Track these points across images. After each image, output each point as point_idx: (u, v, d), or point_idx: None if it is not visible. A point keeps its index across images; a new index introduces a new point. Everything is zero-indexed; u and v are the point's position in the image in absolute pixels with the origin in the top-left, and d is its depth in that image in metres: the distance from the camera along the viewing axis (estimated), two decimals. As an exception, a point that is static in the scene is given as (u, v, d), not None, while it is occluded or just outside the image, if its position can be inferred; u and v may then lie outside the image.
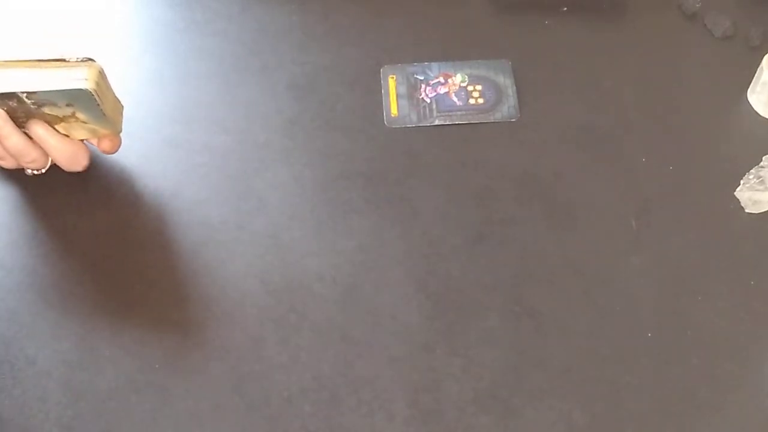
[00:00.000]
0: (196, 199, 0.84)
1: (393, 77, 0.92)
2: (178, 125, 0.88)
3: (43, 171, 0.82)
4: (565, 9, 0.98)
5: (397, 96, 0.91)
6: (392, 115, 0.90)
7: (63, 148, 0.79)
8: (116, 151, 0.82)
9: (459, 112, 0.90)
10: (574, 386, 0.75)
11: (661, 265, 0.81)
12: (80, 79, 0.73)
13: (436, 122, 0.89)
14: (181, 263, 0.80)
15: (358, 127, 0.89)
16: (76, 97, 0.74)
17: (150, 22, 0.96)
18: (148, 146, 0.87)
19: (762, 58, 0.89)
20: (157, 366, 0.75)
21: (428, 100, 0.90)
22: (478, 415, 0.73)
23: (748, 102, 0.92)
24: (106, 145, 0.81)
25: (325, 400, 0.74)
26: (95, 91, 0.73)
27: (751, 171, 0.85)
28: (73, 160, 0.80)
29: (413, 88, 0.91)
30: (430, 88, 0.91)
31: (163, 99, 0.90)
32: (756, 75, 0.91)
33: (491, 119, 0.90)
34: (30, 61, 0.74)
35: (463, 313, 0.78)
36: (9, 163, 0.80)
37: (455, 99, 0.91)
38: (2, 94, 0.73)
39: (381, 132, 0.89)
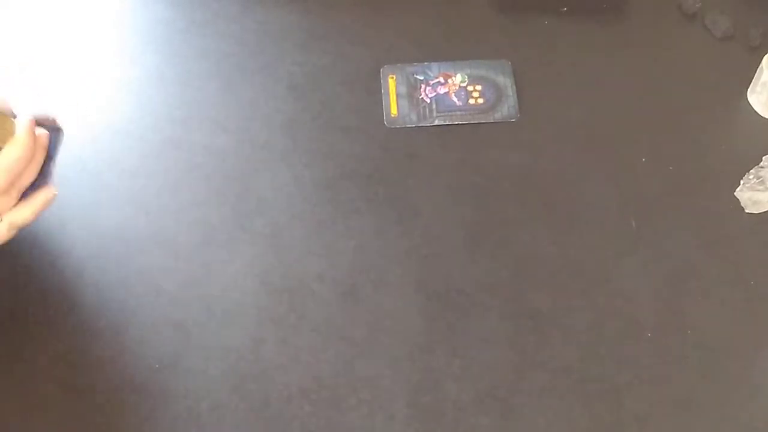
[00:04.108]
0: (196, 199, 0.84)
1: (393, 77, 0.92)
2: (178, 125, 0.88)
3: None
4: (565, 9, 0.98)
5: (397, 96, 0.91)
6: (392, 115, 0.90)
7: None
8: None
9: (459, 112, 0.90)
10: (574, 386, 0.75)
11: (661, 265, 0.81)
12: None
13: (436, 122, 0.89)
14: (181, 263, 0.80)
15: (358, 127, 0.89)
16: None
17: (150, 21, 0.96)
18: (148, 146, 0.87)
19: (762, 58, 0.89)
20: (157, 366, 0.75)
21: (428, 100, 0.90)
22: (478, 415, 0.73)
23: (748, 102, 0.92)
24: None
25: (325, 400, 0.74)
26: None
27: (751, 171, 0.85)
28: None
29: (413, 88, 0.91)
30: (430, 88, 0.91)
31: (163, 99, 0.90)
32: (756, 75, 0.91)
33: (491, 119, 0.90)
34: None
35: (463, 313, 0.78)
36: None
37: (455, 99, 0.91)
38: None
39: (381, 132, 0.89)
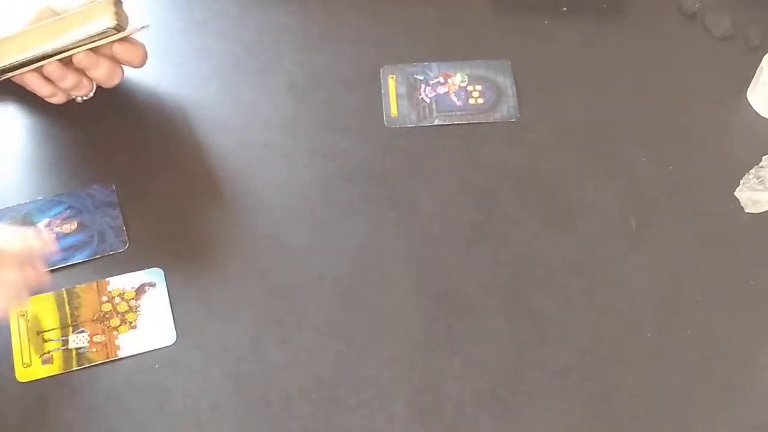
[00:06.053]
0: (196, 199, 0.84)
1: (393, 77, 0.92)
2: (178, 125, 0.88)
3: (91, 95, 0.86)
4: (565, 9, 0.98)
5: (397, 96, 0.91)
6: (392, 115, 0.90)
7: (102, 65, 0.82)
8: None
9: (459, 112, 0.90)
10: (574, 386, 0.75)
11: (661, 265, 0.81)
12: (103, 19, 0.78)
13: (436, 122, 0.89)
14: (181, 263, 0.80)
15: (358, 127, 0.89)
16: (102, 33, 0.79)
17: (150, 22, 0.96)
18: (147, 147, 0.87)
19: (762, 58, 0.90)
20: (157, 366, 0.75)
21: (428, 100, 0.90)
22: (478, 415, 0.73)
23: (748, 102, 0.92)
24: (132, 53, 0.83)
25: (325, 400, 0.74)
26: (118, 23, 0.78)
27: (751, 171, 0.85)
28: (112, 75, 0.83)
29: (413, 88, 0.91)
30: (430, 88, 0.91)
31: (163, 99, 0.90)
32: (756, 75, 0.91)
33: (491, 119, 0.90)
34: (49, 24, 0.79)
35: (463, 313, 0.78)
36: (59, 98, 0.84)
37: (455, 99, 0.91)
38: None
39: (381, 132, 0.89)
